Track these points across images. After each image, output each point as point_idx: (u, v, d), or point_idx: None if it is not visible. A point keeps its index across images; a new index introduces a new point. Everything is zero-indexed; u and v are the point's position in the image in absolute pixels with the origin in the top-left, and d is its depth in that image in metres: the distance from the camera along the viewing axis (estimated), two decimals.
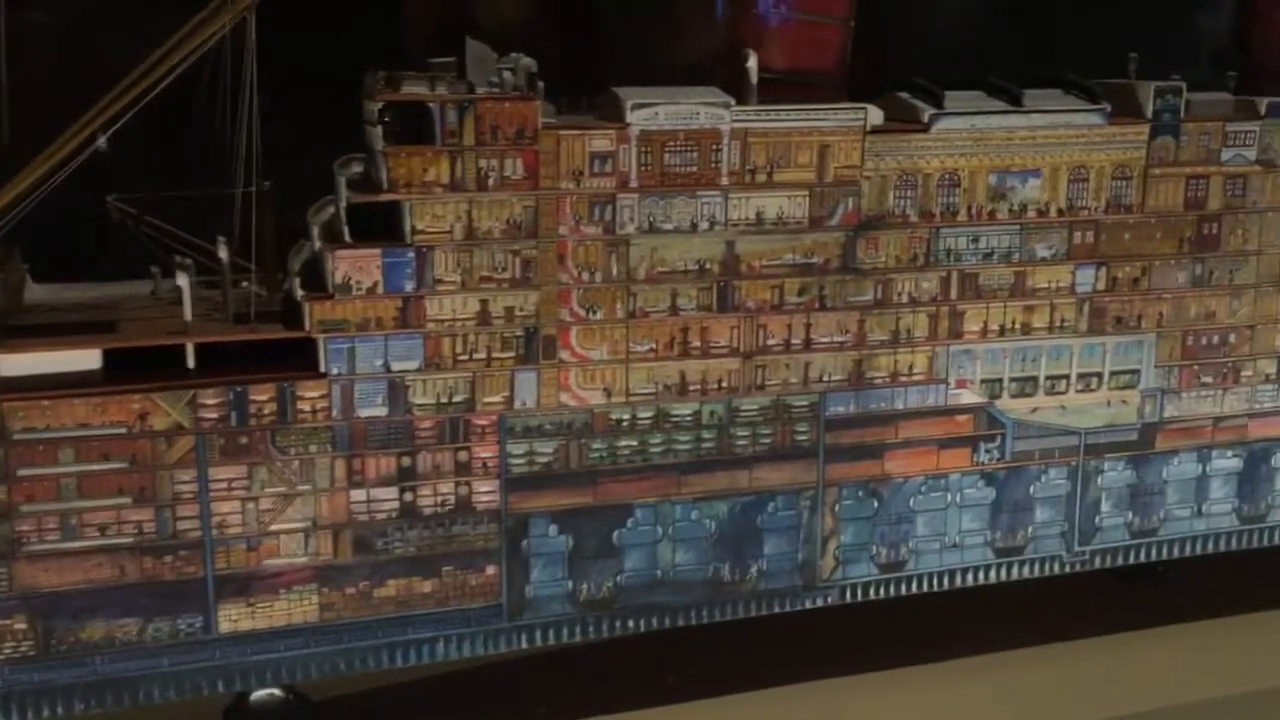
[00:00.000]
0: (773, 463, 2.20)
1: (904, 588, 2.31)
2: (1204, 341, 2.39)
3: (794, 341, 2.18)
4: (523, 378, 2.05)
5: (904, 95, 2.24)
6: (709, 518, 2.19)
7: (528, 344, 2.05)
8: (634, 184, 2.05)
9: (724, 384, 2.16)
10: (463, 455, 2.04)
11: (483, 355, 2.03)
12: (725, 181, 2.09)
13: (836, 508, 2.25)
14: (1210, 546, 2.48)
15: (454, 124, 1.95)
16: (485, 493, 2.06)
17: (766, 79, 2.14)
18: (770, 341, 2.17)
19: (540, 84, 2.02)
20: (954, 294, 2.24)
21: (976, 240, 2.24)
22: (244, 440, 1.94)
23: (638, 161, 2.04)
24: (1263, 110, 2.33)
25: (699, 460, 2.17)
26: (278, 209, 2.06)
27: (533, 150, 1.99)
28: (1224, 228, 2.36)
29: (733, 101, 2.08)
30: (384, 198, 1.95)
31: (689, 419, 2.15)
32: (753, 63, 2.11)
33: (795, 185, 2.13)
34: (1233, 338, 2.40)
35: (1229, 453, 2.44)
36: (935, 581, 2.33)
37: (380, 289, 1.96)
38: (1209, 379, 2.40)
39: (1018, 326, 2.28)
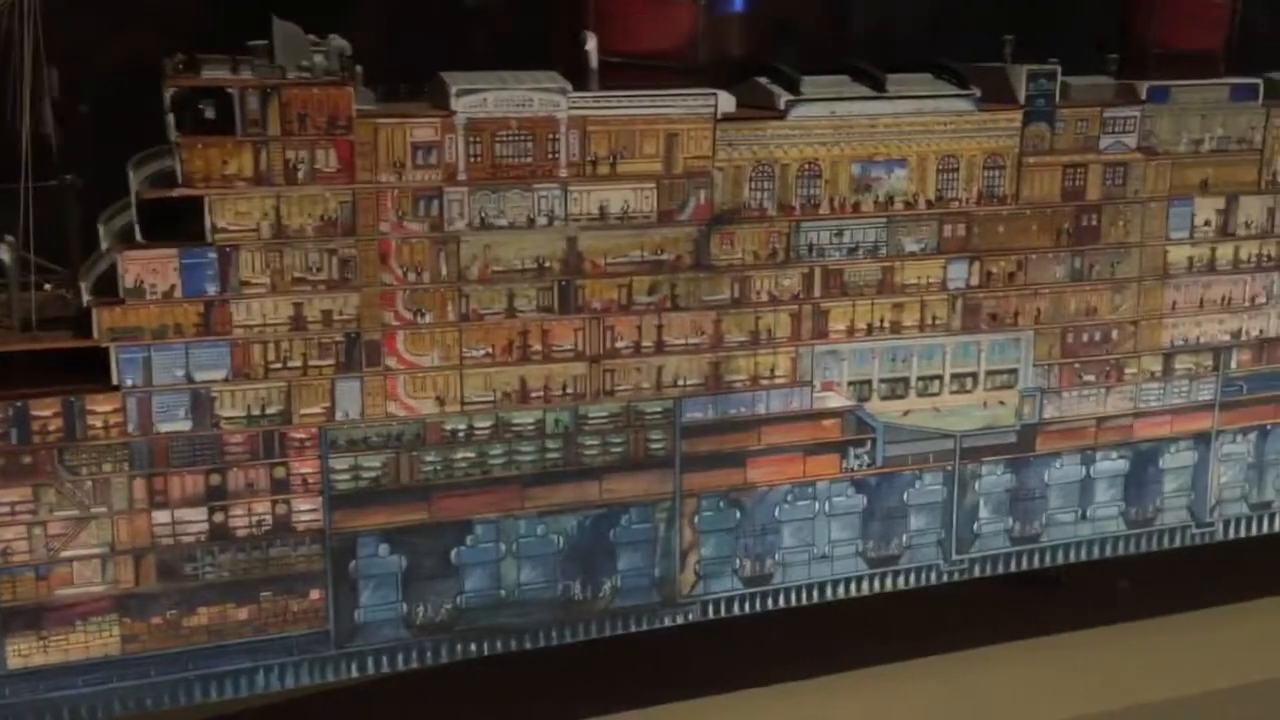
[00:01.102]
0: (625, 473, 2.00)
1: (770, 602, 2.12)
2: (1085, 338, 2.21)
3: (645, 344, 1.98)
4: (344, 387, 1.85)
5: (762, 80, 2.06)
6: (556, 533, 1.99)
7: (349, 350, 1.84)
8: (463, 176, 1.85)
9: (569, 390, 1.96)
10: (279, 471, 1.84)
11: (298, 363, 1.82)
12: (564, 173, 1.89)
13: (696, 519, 2.06)
14: (1096, 552, 2.31)
15: (256, 112, 1.75)
16: (306, 511, 1.85)
17: (609, 62, 1.96)
18: (619, 344, 1.97)
19: (358, 68, 1.83)
20: (817, 291, 2.05)
21: (840, 234, 2.05)
22: (27, 460, 1.72)
23: (466, 152, 1.84)
24: (1144, 95, 2.17)
25: (544, 472, 1.97)
26: (85, 206, 1.87)
27: (347, 140, 1.78)
28: (1104, 219, 2.18)
29: (569, 87, 1.88)
30: (178, 193, 1.74)
31: (531, 428, 1.96)
32: (592, 44, 1.91)
33: (641, 177, 1.93)
34: (1115, 334, 2.23)
35: (1114, 454, 2.27)
36: (804, 595, 2.14)
37: (178, 292, 1.75)
38: (1091, 377, 2.23)
39: (886, 325, 2.10)
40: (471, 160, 1.85)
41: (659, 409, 2.01)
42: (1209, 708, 2.28)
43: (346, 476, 1.87)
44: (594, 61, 1.91)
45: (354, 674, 1.92)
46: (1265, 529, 2.40)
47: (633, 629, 2.06)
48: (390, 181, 1.82)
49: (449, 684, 2.00)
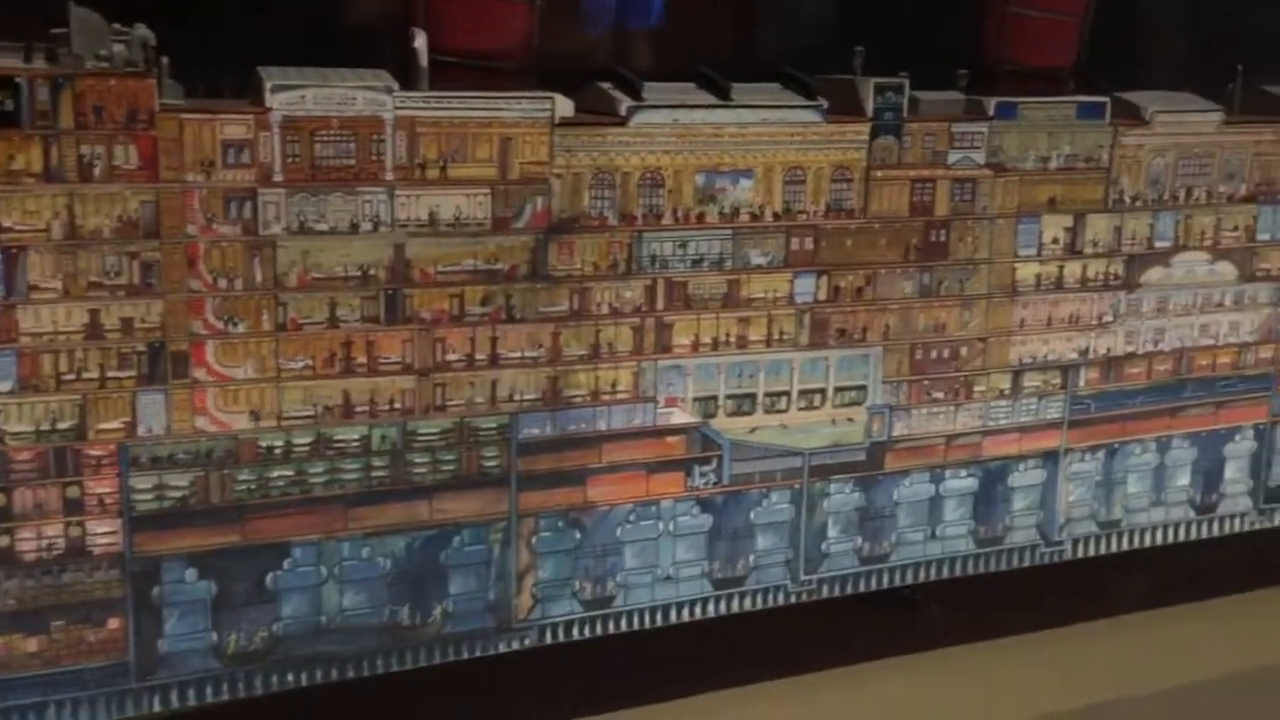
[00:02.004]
0: (457, 492, 1.88)
1: (612, 625, 2.02)
2: (934, 355, 2.16)
3: (478, 357, 1.87)
4: (147, 400, 1.70)
5: (604, 85, 1.96)
6: (383, 555, 1.86)
7: (152, 361, 1.69)
8: (279, 177, 1.71)
9: (397, 405, 1.84)
10: (73, 491, 1.67)
11: (94, 374, 1.66)
12: (390, 177, 1.77)
13: (533, 540, 1.95)
14: (946, 571, 2.25)
15: (46, 103, 1.60)
16: (103, 534, 1.70)
17: (440, 62, 1.85)
18: (450, 357, 1.85)
19: (163, 60, 1.69)
20: (660, 304, 1.96)
21: (684, 246, 1.96)
22: None
23: (282, 152, 1.71)
24: (991, 111, 2.12)
25: (370, 491, 1.84)
26: None
27: (149, 136, 1.64)
28: (952, 234, 2.13)
29: (396, 85, 1.77)
30: None
31: (356, 445, 1.82)
32: (421, 42, 1.80)
33: (474, 182, 1.81)
34: (964, 351, 2.17)
35: (963, 472, 2.22)
36: (647, 618, 2.04)
37: None
38: (940, 395, 2.17)
39: (732, 340, 2.02)
40: (289, 160, 1.71)
41: (494, 425, 1.90)
42: None
43: (149, 497, 1.72)
44: (423, 60, 1.80)
45: (156, 708, 1.76)
46: (1114, 548, 2.37)
47: (465, 656, 1.93)
48: (198, 181, 1.67)
49: (264, 717, 1.86)
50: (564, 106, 1.85)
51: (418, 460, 1.86)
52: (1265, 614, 2.49)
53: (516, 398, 1.90)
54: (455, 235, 1.82)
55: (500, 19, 1.84)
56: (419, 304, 1.82)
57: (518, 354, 1.88)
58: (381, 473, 1.84)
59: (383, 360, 1.81)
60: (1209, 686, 2.33)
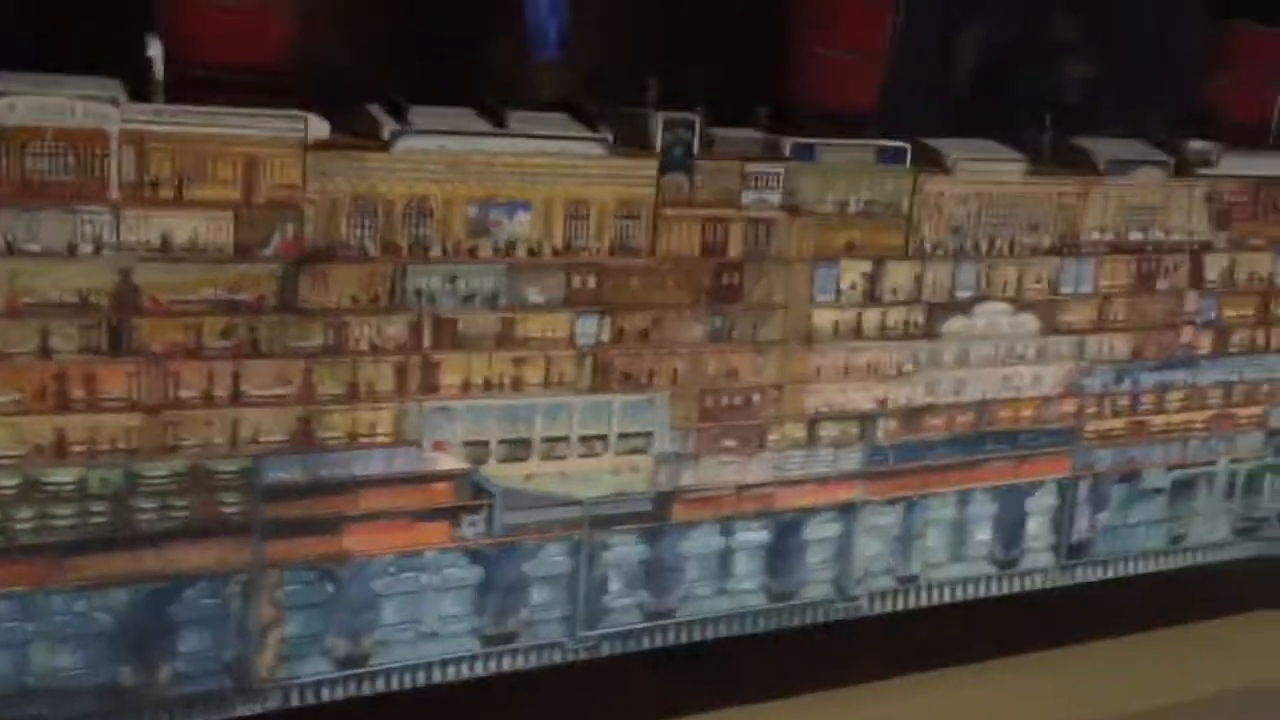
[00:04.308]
0: (191, 540, 1.70)
1: (367, 686, 1.86)
2: (725, 402, 2.06)
3: (217, 393, 1.70)
4: None
5: (370, 108, 1.82)
6: (102, 610, 1.67)
7: None
8: None
9: (120, 444, 1.65)
10: None
11: None
12: (116, 196, 1.60)
13: (279, 594, 1.77)
14: (736, 627, 2.14)
15: None
16: None
17: (187, 75, 1.69)
18: (184, 393, 1.68)
19: None
20: (427, 342, 1.81)
21: (454, 280, 1.83)
22: None
23: None
24: (787, 151, 2.04)
25: (87, 539, 1.65)
26: None
27: None
28: (746, 277, 2.03)
29: (123, 97, 1.61)
30: None
31: (71, 488, 1.63)
32: (156, 51, 1.64)
33: (214, 205, 1.65)
34: (757, 398, 2.08)
35: (755, 524, 2.12)
36: (407, 678, 1.88)
37: None
38: (731, 443, 2.07)
39: (506, 382, 1.88)
40: None
41: (234, 468, 1.72)
42: None
43: None
44: (159, 72, 1.63)
45: None
46: (911, 603, 2.29)
47: None
48: None
49: None
50: (318, 128, 1.70)
51: (144, 505, 1.67)
52: (1065, 671, 2.44)
53: (261, 439, 1.73)
54: (192, 262, 1.65)
55: (246, 29, 1.69)
56: (149, 335, 1.64)
57: (263, 391, 1.73)
58: (101, 519, 1.65)
59: (104, 396, 1.63)
60: None
